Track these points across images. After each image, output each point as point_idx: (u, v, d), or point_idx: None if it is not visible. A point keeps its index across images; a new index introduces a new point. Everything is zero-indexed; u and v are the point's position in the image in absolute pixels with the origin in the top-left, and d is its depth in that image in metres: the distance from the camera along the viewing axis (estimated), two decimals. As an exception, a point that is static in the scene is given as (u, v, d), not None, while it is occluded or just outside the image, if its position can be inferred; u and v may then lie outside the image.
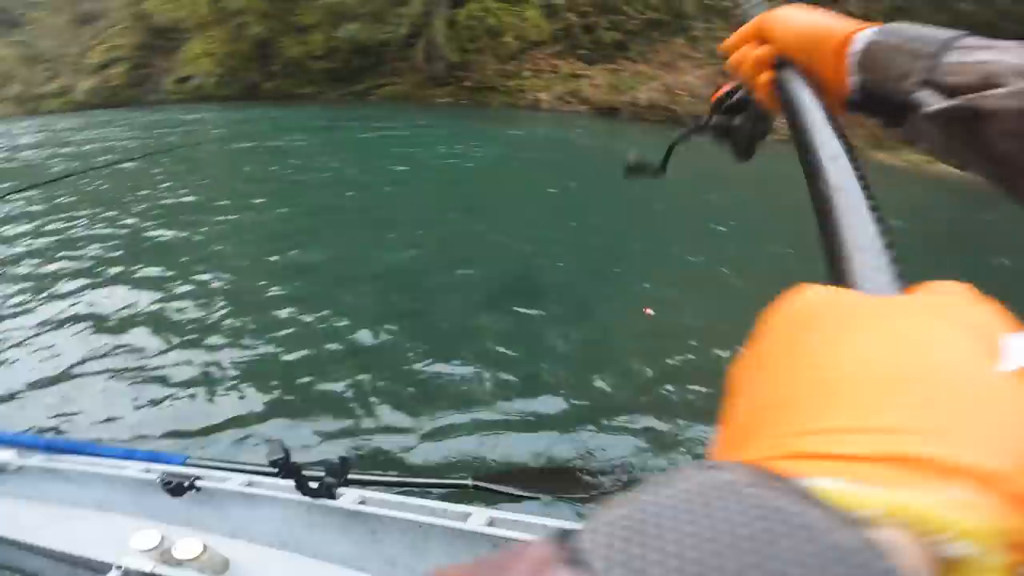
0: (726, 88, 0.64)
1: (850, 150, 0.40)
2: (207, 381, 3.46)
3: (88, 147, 13.29)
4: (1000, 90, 0.37)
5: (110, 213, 7.20)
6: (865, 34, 0.47)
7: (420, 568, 1.28)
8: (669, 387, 3.46)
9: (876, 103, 0.47)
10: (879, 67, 0.46)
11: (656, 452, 2.93)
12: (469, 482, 2.01)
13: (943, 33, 0.43)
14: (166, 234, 6.35)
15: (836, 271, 0.30)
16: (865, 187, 0.36)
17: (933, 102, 0.42)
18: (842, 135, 0.42)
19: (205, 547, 1.26)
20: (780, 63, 0.52)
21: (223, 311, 4.38)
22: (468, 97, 19.30)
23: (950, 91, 0.41)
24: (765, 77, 0.53)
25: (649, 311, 4.31)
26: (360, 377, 3.48)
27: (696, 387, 3.42)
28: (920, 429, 0.17)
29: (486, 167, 10.55)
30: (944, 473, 0.16)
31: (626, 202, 7.46)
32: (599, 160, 12.46)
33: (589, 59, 18.42)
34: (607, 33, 18.02)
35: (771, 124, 0.62)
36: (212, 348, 3.83)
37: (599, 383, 3.49)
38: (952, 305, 0.22)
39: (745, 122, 0.62)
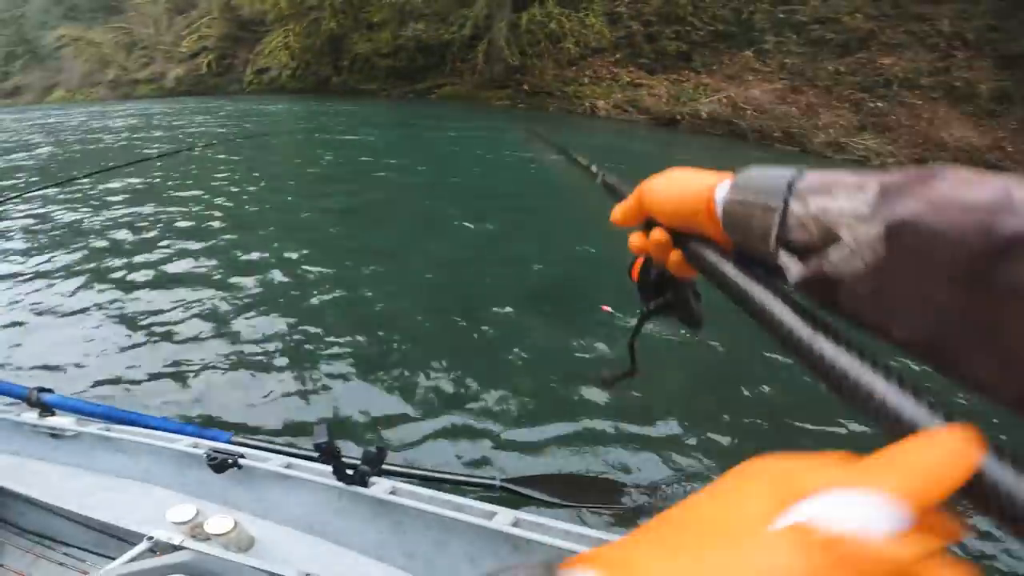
0: (639, 265, 0.60)
1: (811, 316, 0.36)
2: (262, 363, 3.52)
3: (189, 130, 14.08)
4: (837, 253, 0.35)
5: (196, 192, 7.64)
6: (721, 193, 0.43)
7: (439, 562, 1.28)
8: (718, 412, 3.27)
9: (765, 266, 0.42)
10: (740, 229, 0.42)
11: (693, 475, 2.82)
12: (497, 482, 1.99)
13: (784, 177, 0.39)
14: (235, 217, 6.67)
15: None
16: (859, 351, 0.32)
17: (792, 267, 0.38)
18: (786, 297, 0.38)
19: (235, 524, 1.29)
20: (679, 238, 0.49)
21: (285, 294, 4.50)
22: (525, 100, 19.02)
23: (802, 251, 0.38)
24: (675, 257, 0.49)
25: (607, 308, 4.23)
26: (405, 370, 3.49)
27: (746, 415, 3.24)
28: (665, 570, 0.21)
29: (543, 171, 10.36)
30: None
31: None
32: (654, 168, 11.95)
33: (650, 68, 17.65)
34: (670, 43, 17.20)
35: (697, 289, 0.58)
36: (269, 332, 3.89)
37: (645, 398, 3.33)
38: (775, 468, 0.24)
39: (678, 294, 0.59)
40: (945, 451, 0.23)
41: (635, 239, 0.53)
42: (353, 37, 20.92)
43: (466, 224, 6.51)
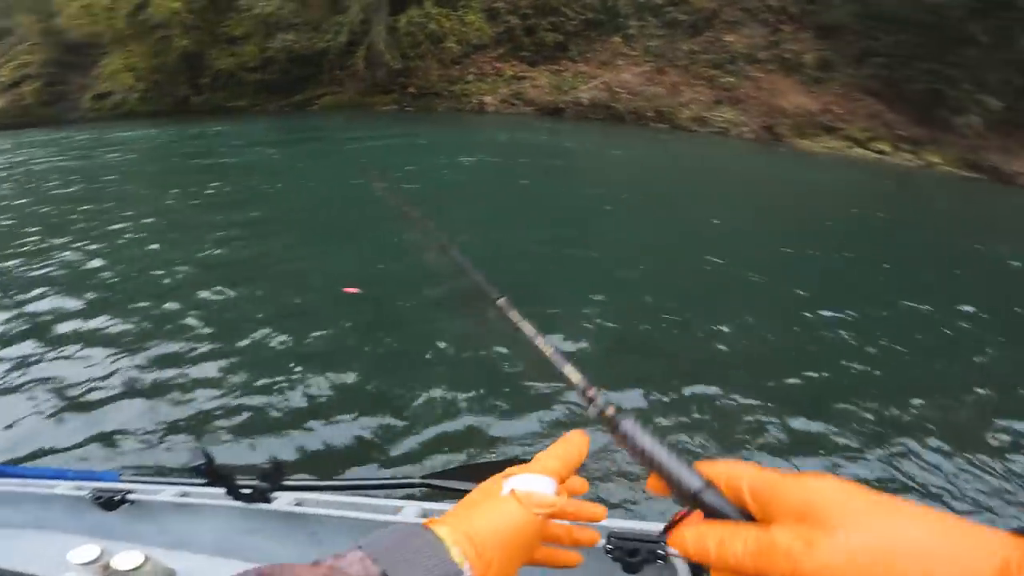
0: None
1: None
2: (137, 397, 3.42)
3: (36, 167, 12.15)
4: None
5: (45, 238, 6.66)
6: None
7: None
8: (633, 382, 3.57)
9: None
10: None
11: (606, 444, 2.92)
12: (416, 480, 1.92)
13: None
14: (82, 253, 6.05)
15: None
16: None
17: None
18: None
19: (146, 558, 1.24)
20: None
21: (145, 324, 4.35)
22: (412, 103, 19.12)
23: None
24: None
25: (352, 289, 4.31)
26: (296, 385, 3.49)
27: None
28: (451, 522, 0.46)
29: (444, 171, 10.62)
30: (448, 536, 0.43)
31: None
32: (548, 157, 13.06)
33: (531, 61, 18.65)
34: (548, 35, 18.29)
35: None
36: (141, 364, 3.78)
37: (545, 376, 3.49)
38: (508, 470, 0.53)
39: None
40: (573, 445, 0.55)
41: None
42: (212, 53, 19.56)
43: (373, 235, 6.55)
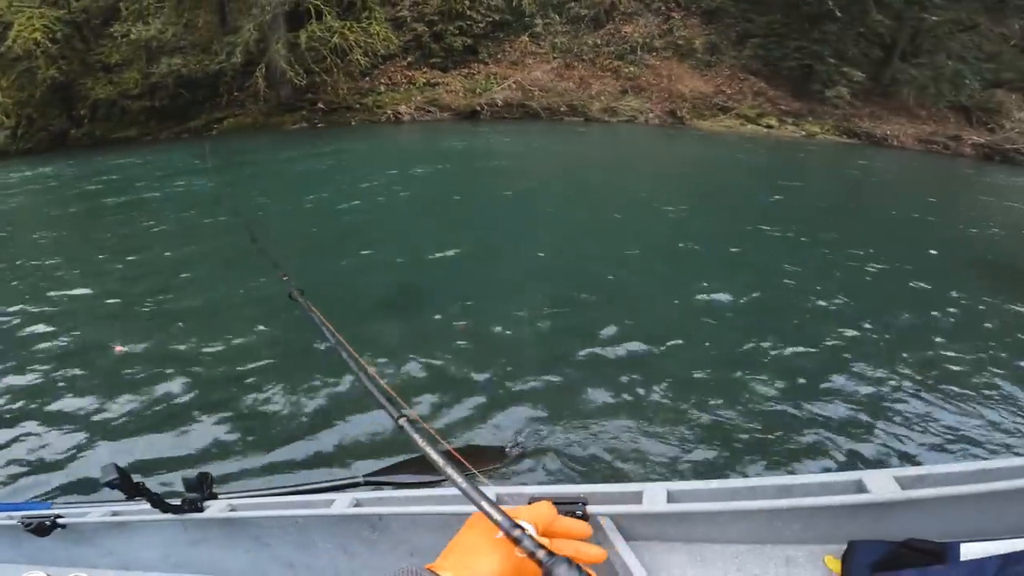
0: None
1: None
2: (58, 423, 3.42)
3: None
4: None
5: None
6: None
7: (318, 563, 1.25)
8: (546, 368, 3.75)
9: None
10: None
11: (545, 428, 3.15)
12: (360, 479, 1.99)
13: None
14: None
15: None
16: None
17: None
18: None
19: None
20: None
21: (49, 357, 4.24)
22: (323, 119, 18.42)
23: None
24: None
25: (120, 348, 4.22)
26: (219, 399, 3.51)
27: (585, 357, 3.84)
28: (454, 567, 0.58)
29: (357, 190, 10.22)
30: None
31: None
32: (469, 161, 13.39)
33: (443, 66, 18.51)
34: (456, 39, 18.18)
35: None
36: (51, 391, 3.76)
37: (472, 365, 3.73)
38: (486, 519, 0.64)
39: None
40: (546, 511, 0.68)
41: None
42: (87, 82, 17.66)
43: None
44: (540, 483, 2.69)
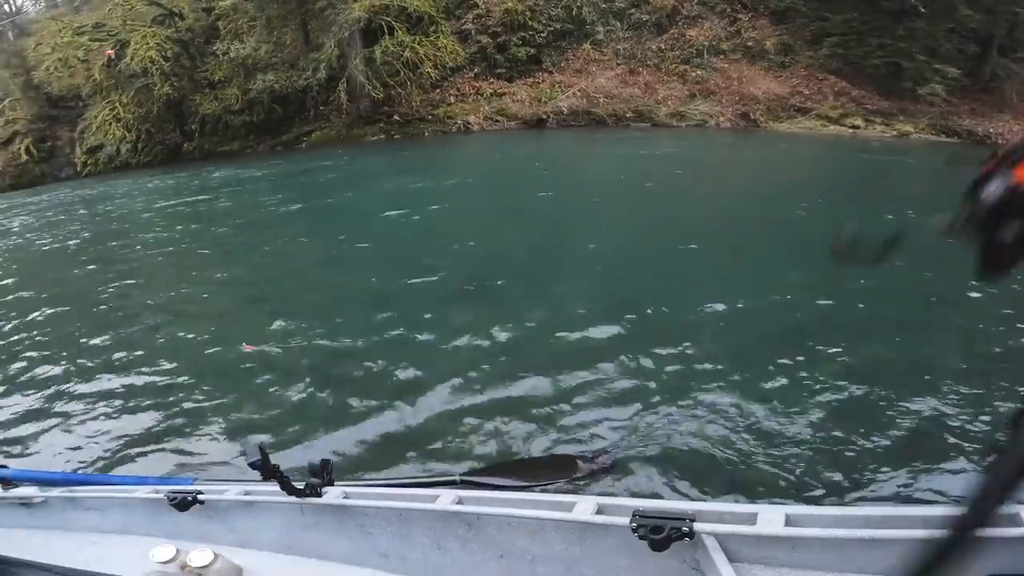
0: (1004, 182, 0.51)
1: None
2: (203, 409, 3.78)
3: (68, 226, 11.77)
4: None
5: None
6: None
7: (411, 555, 1.31)
8: (643, 374, 3.70)
9: None
10: None
11: (635, 437, 3.07)
12: (456, 478, 2.02)
13: None
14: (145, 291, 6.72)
15: None
16: None
17: None
18: None
19: (216, 555, 1.34)
20: None
21: (204, 346, 4.78)
22: (399, 131, 19.43)
23: None
24: None
25: (249, 347, 4.53)
26: (338, 391, 3.79)
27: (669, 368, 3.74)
28: None
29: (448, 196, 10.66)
30: None
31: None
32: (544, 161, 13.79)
33: (508, 77, 19.01)
34: (520, 49, 18.58)
35: None
36: (199, 382, 4.16)
37: (572, 373, 3.72)
38: None
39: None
40: None
41: None
42: (195, 98, 19.96)
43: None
44: (645, 496, 2.60)
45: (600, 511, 1.08)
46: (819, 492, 2.65)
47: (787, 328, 4.40)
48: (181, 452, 3.38)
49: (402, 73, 18.18)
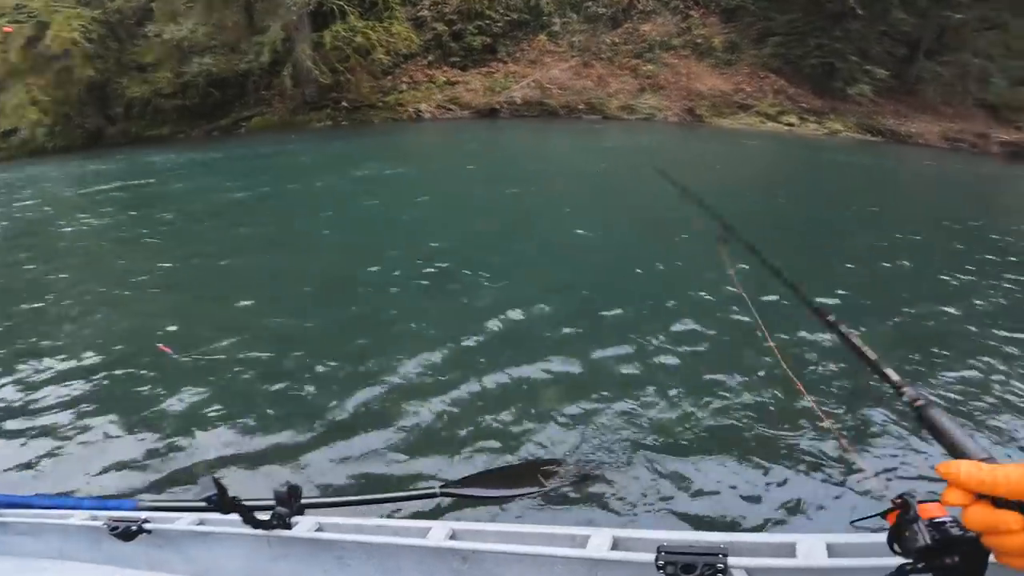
0: (896, 515, 0.62)
1: None
2: (143, 424, 3.37)
3: None
4: None
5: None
6: None
7: None
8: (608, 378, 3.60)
9: None
10: None
11: (613, 441, 3.00)
12: (436, 489, 1.99)
13: None
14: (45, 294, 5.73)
15: None
16: None
17: None
18: None
19: None
20: None
21: (137, 359, 4.17)
22: (347, 118, 18.92)
23: None
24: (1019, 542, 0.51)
25: (165, 348, 4.16)
26: (297, 404, 3.46)
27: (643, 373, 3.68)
28: None
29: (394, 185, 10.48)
30: None
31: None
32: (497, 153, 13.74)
33: (462, 65, 18.87)
34: (476, 38, 18.49)
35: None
36: (144, 392, 3.72)
37: (541, 377, 3.64)
38: None
39: (969, 563, 0.58)
40: None
41: (978, 513, 0.52)
42: (122, 81, 18.56)
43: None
44: (671, 527, 2.36)
45: (617, 545, 0.99)
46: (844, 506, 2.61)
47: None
48: (114, 470, 3.02)
49: (352, 59, 17.65)
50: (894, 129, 19.01)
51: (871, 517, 0.71)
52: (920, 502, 0.62)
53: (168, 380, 3.84)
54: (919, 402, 0.65)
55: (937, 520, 0.60)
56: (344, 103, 18.73)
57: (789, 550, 0.90)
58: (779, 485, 2.78)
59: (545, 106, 19.19)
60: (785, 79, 19.17)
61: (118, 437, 3.30)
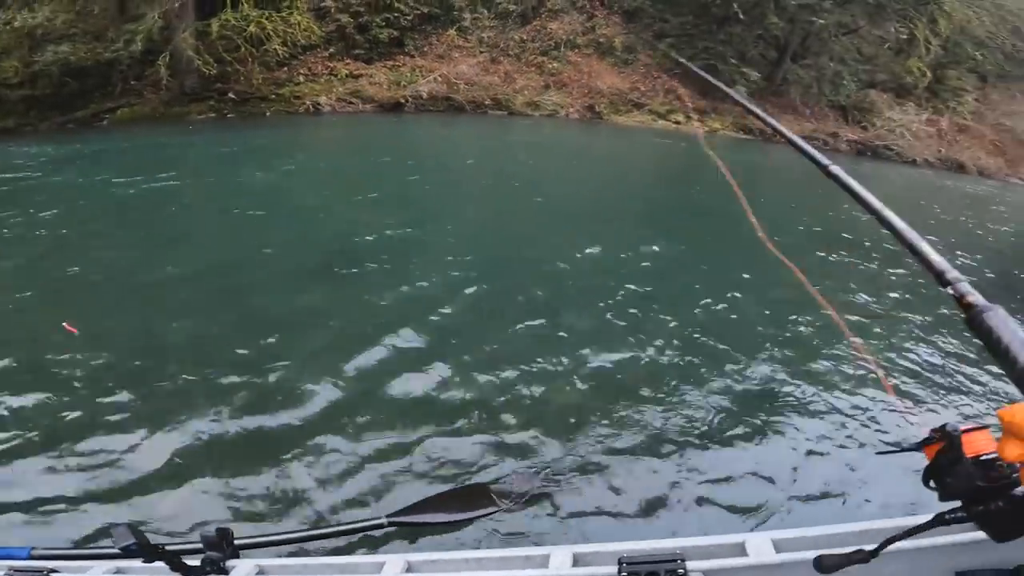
0: (937, 450, 0.54)
1: None
2: (26, 457, 2.89)
3: None
4: None
5: None
6: None
7: None
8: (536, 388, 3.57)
9: None
10: None
11: (564, 451, 2.98)
12: (383, 520, 1.84)
13: None
14: None
15: None
16: None
17: None
18: None
19: None
20: None
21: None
22: (234, 110, 17.44)
23: None
24: None
25: (70, 328, 3.88)
26: (212, 430, 3.07)
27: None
28: None
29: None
30: None
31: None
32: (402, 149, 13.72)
33: (367, 58, 18.08)
34: (382, 31, 17.81)
35: None
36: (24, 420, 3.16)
37: (477, 390, 3.53)
38: None
39: (1010, 507, 0.52)
40: None
41: (1016, 447, 0.48)
42: (-45, 69, 15.38)
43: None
44: (627, 539, 2.34)
45: (578, 561, 0.98)
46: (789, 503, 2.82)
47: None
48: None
49: (243, 49, 16.15)
50: (762, 128, 21.28)
51: (903, 451, 0.60)
52: (964, 431, 0.53)
53: (42, 402, 3.29)
54: (969, 299, 0.50)
55: (985, 457, 0.53)
56: (231, 94, 17.24)
57: (739, 549, 0.94)
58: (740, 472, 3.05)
59: (451, 101, 19.07)
60: (676, 80, 20.60)
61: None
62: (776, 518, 2.75)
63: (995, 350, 0.48)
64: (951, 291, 0.55)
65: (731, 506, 2.82)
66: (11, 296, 4.79)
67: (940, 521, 0.56)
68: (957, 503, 0.56)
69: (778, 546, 0.93)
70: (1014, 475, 0.52)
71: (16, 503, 2.59)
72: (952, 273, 0.54)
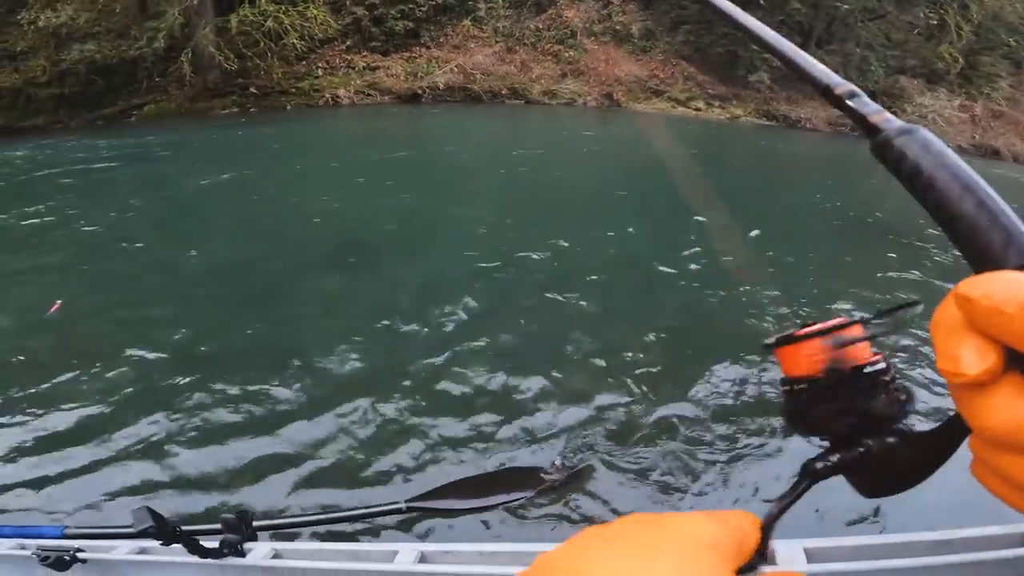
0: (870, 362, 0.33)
1: None
2: (66, 441, 3.10)
3: None
4: None
5: None
6: None
7: None
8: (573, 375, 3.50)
9: None
10: None
11: (597, 440, 2.93)
12: (402, 504, 1.84)
13: None
14: None
15: None
16: None
17: None
18: None
19: None
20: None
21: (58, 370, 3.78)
22: (256, 104, 18.10)
23: None
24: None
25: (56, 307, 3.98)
26: (230, 416, 3.20)
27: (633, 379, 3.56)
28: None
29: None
30: None
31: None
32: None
33: (383, 50, 18.57)
34: (398, 23, 18.28)
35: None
36: (71, 408, 3.38)
37: (499, 376, 3.50)
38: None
39: (885, 448, 0.33)
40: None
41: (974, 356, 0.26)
42: (-13, 69, 16.26)
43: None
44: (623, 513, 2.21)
45: None
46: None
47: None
48: (34, 488, 2.76)
49: (262, 44, 16.65)
50: (787, 114, 21.14)
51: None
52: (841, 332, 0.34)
53: (72, 390, 3.51)
54: (875, 120, 0.37)
55: (872, 367, 0.34)
56: (253, 89, 17.82)
57: (769, 557, 0.73)
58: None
59: (468, 91, 19.36)
60: (694, 66, 20.59)
61: (14, 458, 3.01)
62: (807, 524, 2.38)
63: (914, 186, 0.34)
64: (848, 109, 0.38)
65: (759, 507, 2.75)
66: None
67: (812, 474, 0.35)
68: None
69: (810, 555, 0.87)
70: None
71: (51, 484, 2.82)
72: (844, 86, 0.38)
